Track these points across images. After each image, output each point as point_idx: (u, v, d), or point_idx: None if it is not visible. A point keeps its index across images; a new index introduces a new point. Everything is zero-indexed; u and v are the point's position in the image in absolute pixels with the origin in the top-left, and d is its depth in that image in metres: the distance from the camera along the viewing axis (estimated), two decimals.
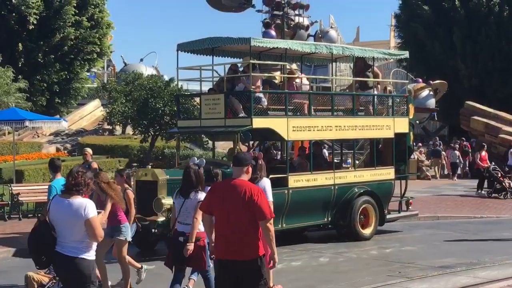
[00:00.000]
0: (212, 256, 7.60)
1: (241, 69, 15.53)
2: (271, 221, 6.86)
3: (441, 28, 41.88)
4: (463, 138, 35.94)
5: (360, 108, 16.17)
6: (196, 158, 12.81)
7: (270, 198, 9.92)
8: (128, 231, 10.35)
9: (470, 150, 33.52)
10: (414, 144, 34.65)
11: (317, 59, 18.20)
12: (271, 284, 9.70)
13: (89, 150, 16.28)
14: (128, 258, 10.55)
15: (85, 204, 6.45)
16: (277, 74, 16.39)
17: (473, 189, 25.53)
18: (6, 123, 20.89)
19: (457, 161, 32.90)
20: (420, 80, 35.18)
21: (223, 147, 26.76)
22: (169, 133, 18.37)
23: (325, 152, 18.95)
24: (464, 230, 16.84)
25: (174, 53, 15.30)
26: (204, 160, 12.67)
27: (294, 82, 15.61)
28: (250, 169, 7.11)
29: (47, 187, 19.31)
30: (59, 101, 41.88)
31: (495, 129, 32.79)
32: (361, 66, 16.70)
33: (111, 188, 9.86)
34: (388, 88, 17.30)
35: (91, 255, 6.53)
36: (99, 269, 9.73)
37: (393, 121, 16.56)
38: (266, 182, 10.16)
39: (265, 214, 6.76)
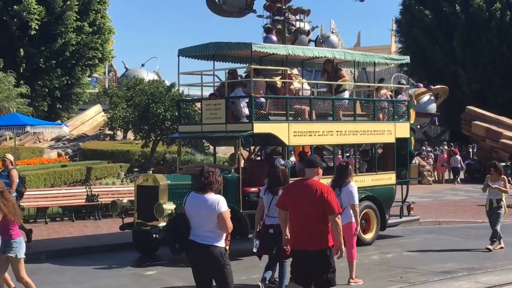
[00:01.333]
0: (286, 247, 8.69)
1: (244, 74, 15.52)
2: (339, 216, 7.88)
3: (442, 33, 41.93)
4: (451, 144, 35.97)
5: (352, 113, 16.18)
6: (281, 160, 14.22)
7: (356, 201, 11.06)
8: (20, 247, 9.57)
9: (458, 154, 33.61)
10: (425, 147, 34.58)
11: (318, 64, 18.21)
12: (353, 276, 11.05)
13: (9, 157, 15.24)
14: (5, 275, 9.86)
15: (218, 200, 7.41)
16: (277, 79, 16.40)
17: (474, 194, 25.48)
18: (8, 128, 20.91)
19: (459, 165, 32.90)
20: (421, 85, 35.31)
21: (224, 152, 26.75)
22: (170, 138, 18.32)
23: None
24: (465, 235, 16.83)
25: (175, 58, 15.35)
26: (290, 162, 14.28)
27: (291, 87, 15.62)
28: (320, 170, 8.19)
29: (48, 192, 19.48)
30: (61, 106, 41.92)
31: (496, 134, 32.80)
32: (329, 68, 16.62)
33: (3, 199, 9.14)
34: (388, 93, 17.27)
35: (222, 243, 7.46)
36: None
37: (394, 126, 16.56)
38: (353, 187, 11.17)
39: (334, 209, 7.80)
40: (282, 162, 13.28)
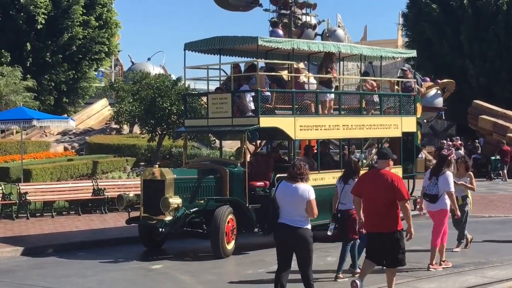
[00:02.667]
0: (361, 229, 9.99)
1: (243, 69, 15.49)
2: (408, 201, 9.10)
3: (449, 27, 41.76)
4: (453, 138, 35.78)
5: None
6: (357, 154, 15.60)
7: (452, 188, 11.88)
8: None
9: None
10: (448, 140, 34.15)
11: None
12: (433, 262, 11.71)
13: None
14: None
15: (308, 189, 8.57)
16: (284, 73, 16.36)
17: (481, 188, 25.40)
18: (14, 122, 20.93)
19: None
20: (428, 79, 35.15)
21: (230, 146, 26.75)
22: (176, 133, 18.36)
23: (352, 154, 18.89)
24: (471, 229, 16.75)
25: (182, 52, 15.33)
26: (363, 155, 15.46)
27: (298, 81, 15.58)
28: (391, 162, 9.33)
29: (55, 186, 19.53)
30: (67, 100, 41.99)
31: (503, 128, 32.68)
32: (326, 61, 16.45)
33: None
34: (375, 84, 17.08)
35: (309, 226, 8.63)
36: None
37: (401, 120, 16.52)
38: (449, 175, 12.01)
39: (404, 195, 9.00)
40: (357, 156, 15.68)
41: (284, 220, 8.58)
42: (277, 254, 8.76)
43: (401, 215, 9.28)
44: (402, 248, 9.18)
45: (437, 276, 11.26)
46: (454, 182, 13.17)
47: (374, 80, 18.28)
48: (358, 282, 9.38)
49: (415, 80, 17.72)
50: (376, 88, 16.91)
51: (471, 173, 13.70)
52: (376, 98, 16.36)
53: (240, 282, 11.33)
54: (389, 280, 9.44)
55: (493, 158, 32.50)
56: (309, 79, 16.64)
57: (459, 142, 34.71)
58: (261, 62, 15.13)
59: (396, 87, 17.36)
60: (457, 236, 13.77)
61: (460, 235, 13.73)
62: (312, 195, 8.56)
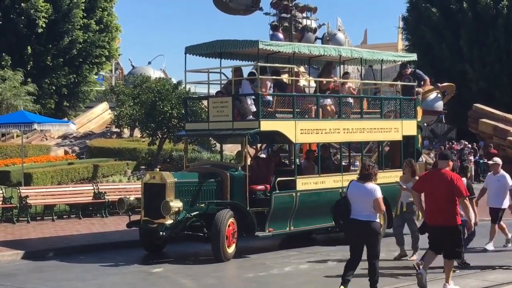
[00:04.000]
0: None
1: (250, 70, 15.49)
2: (467, 198, 10.08)
3: (449, 30, 41.80)
4: (450, 142, 35.75)
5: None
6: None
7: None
8: None
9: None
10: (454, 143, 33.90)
11: (325, 62, 18.15)
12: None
13: None
14: None
15: (375, 188, 9.73)
16: (285, 76, 16.37)
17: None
18: (15, 126, 20.94)
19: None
20: (428, 79, 35.12)
21: (230, 150, 26.75)
22: (177, 136, 18.35)
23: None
24: None
25: (182, 56, 15.33)
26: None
27: (298, 85, 15.60)
28: (451, 162, 10.33)
29: (55, 190, 19.53)
30: (68, 104, 42.01)
31: (504, 131, 32.66)
32: (325, 71, 16.55)
33: None
34: (353, 87, 16.93)
35: (377, 220, 9.75)
36: None
37: (401, 123, 16.53)
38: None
39: (462, 192, 9.94)
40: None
41: (355, 216, 9.72)
42: (349, 246, 9.91)
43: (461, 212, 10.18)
44: (459, 241, 10.16)
45: (438, 280, 11.24)
46: (400, 185, 12.92)
47: (374, 84, 18.33)
48: (422, 272, 10.02)
49: (415, 83, 17.64)
50: (354, 92, 16.80)
51: (417, 178, 12.83)
52: (350, 100, 16.07)
53: (240, 286, 11.34)
54: (447, 270, 10.20)
55: (481, 161, 32.76)
56: (309, 83, 16.65)
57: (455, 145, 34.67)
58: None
59: (353, 88, 17.20)
60: (411, 244, 13.11)
61: (415, 244, 13.09)
62: (378, 194, 9.71)
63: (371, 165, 9.97)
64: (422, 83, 17.80)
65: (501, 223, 14.36)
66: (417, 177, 12.79)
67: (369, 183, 9.78)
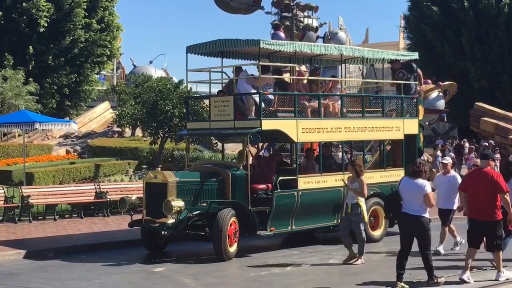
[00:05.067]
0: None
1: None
2: (507, 194, 10.74)
3: (450, 29, 41.78)
4: (448, 142, 35.76)
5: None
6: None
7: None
8: None
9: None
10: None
11: (327, 61, 18.17)
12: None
13: None
14: None
15: (425, 184, 10.42)
16: (287, 75, 16.37)
17: None
18: (17, 125, 20.97)
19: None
20: (430, 81, 35.10)
21: (232, 149, 26.76)
22: (178, 135, 18.33)
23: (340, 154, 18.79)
24: None
25: (183, 55, 15.39)
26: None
27: (301, 83, 15.58)
28: (492, 162, 11.24)
29: (57, 189, 19.55)
30: (69, 103, 42.04)
31: (505, 130, 32.62)
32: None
33: None
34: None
35: (427, 215, 10.43)
36: None
37: (403, 122, 16.53)
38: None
39: (503, 189, 10.70)
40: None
41: (406, 210, 10.44)
42: (400, 238, 10.61)
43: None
44: (500, 235, 10.82)
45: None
46: (346, 186, 12.78)
47: (376, 83, 18.30)
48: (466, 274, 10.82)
49: (409, 76, 17.44)
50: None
51: (363, 179, 12.74)
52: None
53: (242, 285, 11.35)
54: (496, 261, 11.09)
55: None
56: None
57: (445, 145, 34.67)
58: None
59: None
60: (358, 247, 12.77)
61: (360, 248, 12.71)
62: (428, 189, 10.42)
63: (422, 162, 10.71)
64: (416, 75, 17.49)
65: (451, 225, 13.92)
66: (362, 177, 12.76)
67: (419, 179, 10.45)
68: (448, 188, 13.47)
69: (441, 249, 13.65)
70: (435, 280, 10.59)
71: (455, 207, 13.50)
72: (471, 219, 11.08)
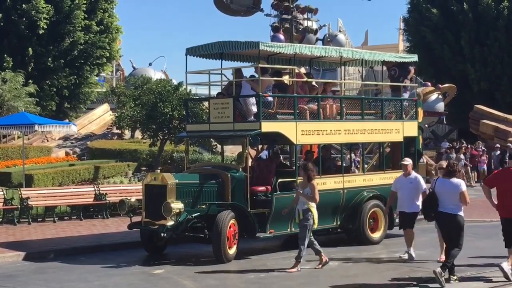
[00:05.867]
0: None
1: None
2: None
3: (450, 31, 41.80)
4: (450, 144, 35.74)
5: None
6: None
7: None
8: None
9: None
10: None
11: (326, 63, 18.18)
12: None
13: None
14: None
15: (460, 183, 11.05)
16: (286, 78, 16.38)
17: (483, 192, 25.33)
18: (16, 127, 20.96)
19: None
20: (429, 83, 35.17)
21: (231, 151, 26.76)
22: (178, 137, 18.37)
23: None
24: (474, 234, 16.75)
25: (183, 58, 15.39)
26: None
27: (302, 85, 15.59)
28: None
29: (57, 191, 19.55)
30: (68, 105, 42.00)
31: (505, 132, 32.68)
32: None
33: None
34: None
35: (462, 213, 11.02)
36: None
37: (402, 124, 16.54)
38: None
39: None
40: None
41: (443, 209, 11.01)
42: (442, 236, 11.51)
43: None
44: None
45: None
46: (297, 190, 12.42)
47: (375, 85, 18.31)
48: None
49: (401, 74, 17.38)
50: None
51: (314, 183, 12.38)
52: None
53: (242, 287, 11.35)
54: None
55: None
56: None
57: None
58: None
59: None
60: (297, 254, 12.31)
61: (298, 254, 12.26)
62: (464, 187, 11.00)
63: (455, 163, 11.55)
64: (408, 72, 17.39)
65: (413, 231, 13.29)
66: (313, 182, 12.22)
67: (454, 178, 11.06)
68: (412, 190, 13.03)
69: (412, 252, 13.16)
70: (455, 278, 11.04)
71: (419, 210, 13.03)
72: (504, 218, 11.32)
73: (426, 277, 11.40)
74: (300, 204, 12.35)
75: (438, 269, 10.74)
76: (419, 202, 12.88)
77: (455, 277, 11.01)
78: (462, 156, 31.19)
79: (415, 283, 11.08)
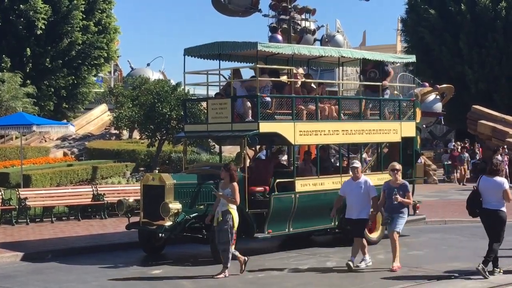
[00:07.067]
0: None
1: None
2: None
3: (448, 32, 41.84)
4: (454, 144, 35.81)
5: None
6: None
7: None
8: None
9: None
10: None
11: (324, 63, 18.19)
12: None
13: None
14: None
15: (504, 181, 11.55)
16: (284, 78, 16.39)
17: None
18: (14, 127, 20.94)
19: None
20: (427, 84, 35.19)
21: (230, 151, 26.76)
22: (176, 138, 18.37)
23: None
24: (471, 234, 16.79)
25: (181, 58, 15.34)
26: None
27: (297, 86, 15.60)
28: None
29: (54, 192, 19.54)
30: (66, 106, 41.98)
31: (503, 133, 32.70)
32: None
33: None
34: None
35: (504, 209, 11.52)
36: None
37: (400, 125, 16.55)
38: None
39: None
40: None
41: (486, 205, 11.51)
42: (486, 232, 11.81)
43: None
44: None
45: (438, 281, 11.28)
46: (217, 192, 11.93)
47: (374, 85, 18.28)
48: None
49: (379, 76, 17.21)
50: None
51: (235, 185, 11.86)
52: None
53: (240, 287, 11.35)
54: None
55: (446, 163, 33.17)
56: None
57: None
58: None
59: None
60: (223, 260, 11.84)
61: (224, 259, 11.78)
62: (507, 185, 11.43)
63: (498, 162, 12.00)
64: (388, 73, 17.28)
65: (364, 240, 12.59)
66: (235, 183, 11.80)
67: (497, 177, 11.51)
68: (363, 195, 12.31)
69: (368, 258, 12.53)
70: (499, 271, 11.60)
71: (368, 216, 12.46)
72: None
73: (465, 270, 11.91)
74: (220, 205, 11.83)
75: (480, 266, 11.30)
76: (369, 209, 12.34)
77: (499, 269, 11.59)
78: (500, 158, 31.08)
79: (414, 283, 11.09)
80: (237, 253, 11.97)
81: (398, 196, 12.05)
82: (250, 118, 14.26)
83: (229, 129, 14.39)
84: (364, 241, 12.63)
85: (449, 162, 33.30)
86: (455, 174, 32.60)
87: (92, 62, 41.35)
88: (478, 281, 11.20)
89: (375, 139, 16.49)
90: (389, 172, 12.55)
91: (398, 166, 12.50)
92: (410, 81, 29.19)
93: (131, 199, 14.60)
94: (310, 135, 14.79)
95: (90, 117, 40.96)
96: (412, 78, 20.88)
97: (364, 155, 19.94)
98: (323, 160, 15.79)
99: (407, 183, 12.66)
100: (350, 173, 13.08)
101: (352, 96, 17.47)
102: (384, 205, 12.41)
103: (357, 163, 12.79)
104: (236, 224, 11.86)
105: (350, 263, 12.20)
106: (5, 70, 34.77)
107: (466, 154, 32.71)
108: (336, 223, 15.18)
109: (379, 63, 17.03)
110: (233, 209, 11.80)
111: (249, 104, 14.33)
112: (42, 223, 18.23)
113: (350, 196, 12.48)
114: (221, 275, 11.76)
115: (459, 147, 33.84)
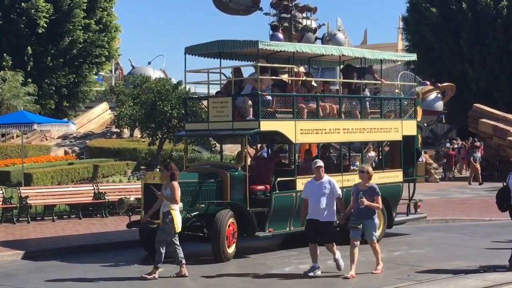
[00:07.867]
0: None
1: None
2: None
3: (449, 31, 41.82)
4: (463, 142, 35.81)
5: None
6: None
7: None
8: None
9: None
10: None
11: (325, 62, 18.17)
12: None
13: None
14: None
15: None
16: (285, 76, 16.38)
17: (481, 191, 25.37)
18: (15, 126, 20.97)
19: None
20: (428, 82, 35.20)
21: (230, 150, 26.76)
22: (177, 136, 18.35)
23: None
24: (472, 232, 16.80)
25: (182, 56, 15.35)
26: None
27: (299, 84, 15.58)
28: None
29: (56, 190, 19.55)
30: (67, 104, 42.04)
31: (504, 131, 32.67)
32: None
33: None
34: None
35: None
36: None
37: (401, 123, 16.53)
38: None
39: None
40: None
41: None
42: None
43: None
44: None
45: (438, 280, 11.27)
46: (156, 194, 11.67)
47: (374, 84, 18.28)
48: None
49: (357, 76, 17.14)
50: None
51: (175, 184, 11.54)
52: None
53: (240, 286, 11.35)
54: None
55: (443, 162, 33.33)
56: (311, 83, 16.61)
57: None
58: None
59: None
60: (155, 258, 11.61)
61: (157, 256, 11.53)
62: None
63: None
64: (370, 71, 17.23)
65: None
66: (174, 183, 11.44)
67: None
68: (327, 196, 11.57)
69: (341, 261, 11.93)
70: None
71: (335, 219, 11.76)
72: None
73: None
74: (163, 206, 11.53)
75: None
76: (334, 210, 11.63)
77: None
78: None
79: (414, 282, 11.07)
80: (183, 263, 11.58)
81: (364, 199, 11.26)
82: (251, 116, 14.25)
83: (230, 128, 14.38)
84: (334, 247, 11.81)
85: (444, 161, 33.41)
86: (453, 171, 32.69)
87: (93, 61, 41.39)
88: (479, 279, 11.19)
89: (376, 138, 16.47)
90: (358, 174, 11.88)
91: (320, 163, 11.72)
92: (411, 80, 29.15)
93: (132, 198, 14.59)
94: (311, 133, 14.78)
95: (91, 116, 40.99)
96: (413, 77, 20.88)
97: (373, 153, 19.95)
98: (324, 158, 15.77)
99: (375, 186, 11.69)
100: (352, 172, 13.00)
101: (352, 94, 17.38)
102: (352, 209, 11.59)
103: (319, 162, 11.86)
104: (178, 224, 11.49)
105: (339, 260, 11.81)
106: (6, 69, 34.81)
107: (479, 154, 32.63)
108: (337, 221, 15.14)
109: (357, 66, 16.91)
110: (174, 209, 11.47)
111: (250, 102, 14.32)
112: (43, 221, 18.24)
113: (312, 197, 11.65)
114: (151, 276, 11.42)
115: (456, 145, 33.89)
